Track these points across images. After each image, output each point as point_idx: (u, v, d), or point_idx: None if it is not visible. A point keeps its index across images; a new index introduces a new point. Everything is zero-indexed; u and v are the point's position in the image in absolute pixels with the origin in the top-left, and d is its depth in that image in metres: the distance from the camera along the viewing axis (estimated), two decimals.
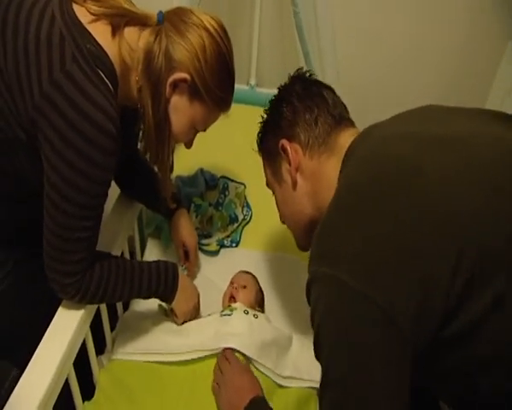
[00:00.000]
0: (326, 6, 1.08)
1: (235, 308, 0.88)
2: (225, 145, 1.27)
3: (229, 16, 1.31)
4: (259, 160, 1.26)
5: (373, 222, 0.51)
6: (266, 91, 1.41)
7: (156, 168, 0.78)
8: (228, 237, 1.13)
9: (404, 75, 1.43)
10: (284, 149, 0.69)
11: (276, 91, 1.40)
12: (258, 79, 1.38)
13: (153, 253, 1.08)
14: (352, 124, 0.71)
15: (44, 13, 0.63)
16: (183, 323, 0.89)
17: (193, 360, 0.82)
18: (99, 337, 0.87)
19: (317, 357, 0.54)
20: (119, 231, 0.94)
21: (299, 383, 0.84)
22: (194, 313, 0.91)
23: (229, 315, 0.86)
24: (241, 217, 1.16)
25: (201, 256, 1.07)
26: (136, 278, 0.78)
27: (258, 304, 0.96)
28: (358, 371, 0.48)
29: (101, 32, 0.65)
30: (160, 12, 0.69)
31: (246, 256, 1.11)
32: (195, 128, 0.77)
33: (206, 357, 0.82)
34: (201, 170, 1.18)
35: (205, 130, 0.79)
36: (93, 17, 0.65)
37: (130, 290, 0.77)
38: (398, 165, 0.54)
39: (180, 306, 0.86)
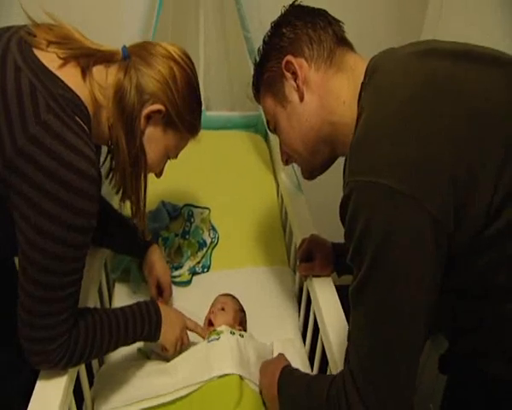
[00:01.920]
0: None
1: (222, 331, 0.87)
2: (183, 173, 1.27)
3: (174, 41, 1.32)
4: (218, 181, 1.30)
5: (423, 125, 0.52)
6: (216, 114, 1.44)
7: (131, 203, 0.76)
8: (198, 263, 1.12)
9: None
10: (289, 66, 0.67)
11: (225, 113, 1.45)
12: (206, 103, 1.40)
13: (122, 298, 1.04)
14: (353, 48, 0.70)
15: (6, 62, 0.59)
16: (177, 353, 0.87)
17: (187, 395, 0.79)
18: (76, 398, 0.80)
19: (356, 262, 0.55)
20: (89, 282, 0.90)
21: None
22: (184, 338, 0.88)
23: (216, 339, 0.85)
24: (208, 241, 1.16)
25: (175, 288, 1.06)
26: (122, 325, 0.75)
27: (239, 323, 0.96)
28: (403, 270, 0.51)
29: (71, 76, 0.63)
30: (124, 47, 0.70)
31: (218, 278, 1.11)
32: (168, 156, 0.78)
33: (199, 388, 0.80)
34: (163, 202, 1.18)
35: (176, 157, 0.80)
36: (61, 61, 0.63)
37: (117, 340, 0.74)
38: (436, 75, 0.56)
39: (168, 337, 0.83)
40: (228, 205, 1.26)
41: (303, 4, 0.73)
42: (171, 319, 0.84)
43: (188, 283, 1.09)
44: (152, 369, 0.86)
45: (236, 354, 0.83)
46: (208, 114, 1.41)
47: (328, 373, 0.83)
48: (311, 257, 0.96)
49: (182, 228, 1.15)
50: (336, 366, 0.79)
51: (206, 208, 1.20)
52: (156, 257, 0.99)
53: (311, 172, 0.77)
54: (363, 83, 0.62)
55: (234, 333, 0.87)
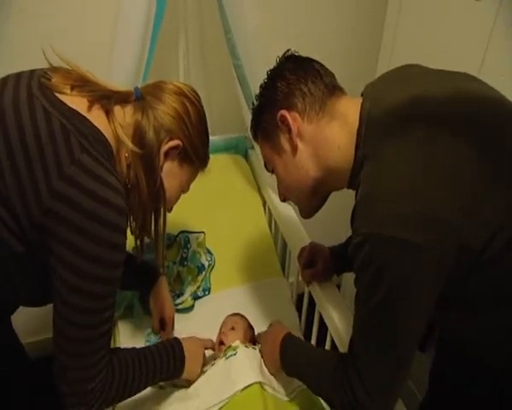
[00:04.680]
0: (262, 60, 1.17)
1: (237, 346, 0.90)
2: None
3: (153, 73, 1.33)
4: (207, 204, 1.32)
5: (428, 180, 0.57)
6: None
7: (151, 240, 0.78)
8: (199, 287, 1.14)
9: None
10: (283, 119, 0.71)
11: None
12: None
13: (126, 335, 1.04)
14: (343, 92, 0.75)
15: (34, 108, 0.60)
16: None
17: None
18: None
19: (363, 300, 0.63)
20: None
21: (298, 390, 0.90)
22: (204, 360, 0.91)
23: (234, 354, 0.88)
24: (206, 264, 1.18)
25: (178, 315, 1.07)
26: (151, 364, 0.76)
27: (250, 340, 0.98)
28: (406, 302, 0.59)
29: (97, 117, 0.64)
30: (136, 87, 0.73)
31: (219, 299, 1.14)
32: (183, 190, 0.80)
33: (226, 404, 0.81)
34: None
35: (188, 190, 0.83)
36: (87, 104, 0.65)
37: (147, 379, 0.75)
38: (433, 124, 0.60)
39: (192, 370, 0.86)
40: (219, 226, 1.29)
41: (296, 55, 0.77)
42: (192, 351, 0.86)
43: (191, 308, 1.11)
44: (173, 397, 0.86)
45: (255, 362, 0.86)
46: None
47: None
48: (313, 264, 0.99)
49: (179, 255, 1.16)
50: None
51: (202, 232, 1.22)
52: (163, 289, 1.01)
53: (308, 213, 0.82)
54: (358, 131, 0.66)
55: (248, 347, 0.89)
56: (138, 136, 0.68)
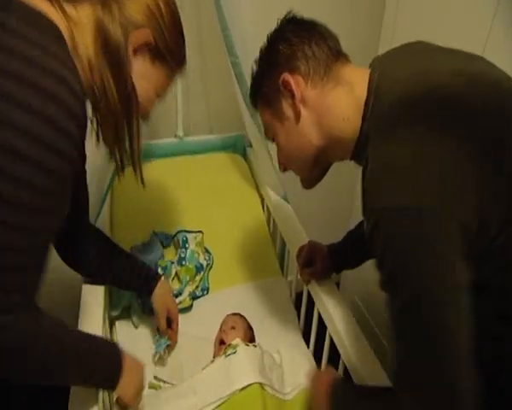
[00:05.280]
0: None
1: (238, 345, 0.90)
2: (169, 201, 1.28)
3: None
4: (205, 203, 1.32)
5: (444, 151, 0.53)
6: (195, 139, 1.47)
7: (127, 157, 0.70)
8: (197, 287, 1.13)
9: None
10: (285, 83, 0.67)
11: (204, 137, 1.48)
12: (185, 129, 1.42)
13: (123, 336, 1.03)
14: (348, 59, 0.71)
15: None
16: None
17: None
18: None
19: (395, 285, 0.55)
20: (91, 322, 0.87)
21: (298, 389, 0.91)
22: (141, 394, 0.82)
23: (234, 353, 0.88)
24: (205, 264, 1.18)
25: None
26: (87, 348, 0.68)
27: (249, 340, 0.98)
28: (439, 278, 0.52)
29: (49, 13, 0.57)
30: None
31: (218, 299, 1.14)
32: (158, 94, 0.74)
33: (223, 403, 0.81)
34: (154, 233, 1.18)
35: (165, 95, 0.76)
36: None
37: (75, 364, 0.66)
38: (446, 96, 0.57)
39: (126, 387, 0.76)
40: (217, 225, 1.29)
41: (298, 17, 0.73)
42: (132, 368, 0.77)
43: (189, 308, 1.10)
44: (170, 394, 0.85)
45: (255, 362, 0.86)
46: (187, 139, 1.44)
47: (339, 365, 0.90)
48: (312, 262, 0.99)
49: (177, 255, 1.16)
50: (348, 357, 0.85)
51: (200, 232, 1.21)
52: (166, 288, 1.00)
53: (310, 183, 0.78)
54: (367, 102, 0.62)
55: (248, 345, 0.89)
56: (101, 34, 0.61)
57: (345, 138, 0.66)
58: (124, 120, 0.66)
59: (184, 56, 0.75)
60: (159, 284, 0.99)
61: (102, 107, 0.63)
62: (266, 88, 0.71)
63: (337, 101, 0.66)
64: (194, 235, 1.19)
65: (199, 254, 1.17)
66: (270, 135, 0.76)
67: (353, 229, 1.00)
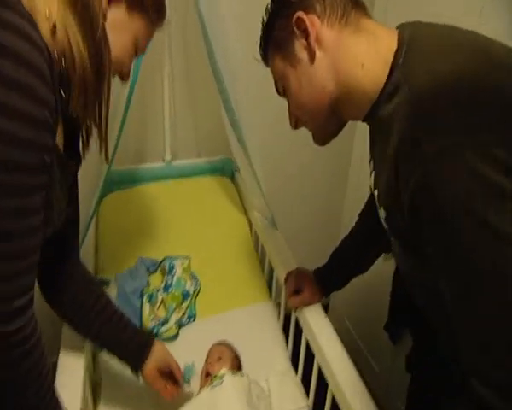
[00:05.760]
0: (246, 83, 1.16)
1: (224, 374, 0.87)
2: (157, 225, 1.27)
3: (138, 96, 1.32)
4: (193, 228, 1.31)
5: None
6: (183, 163, 1.47)
7: (94, 120, 0.62)
8: (184, 314, 1.11)
9: None
10: (299, 22, 0.61)
11: (192, 160, 1.48)
12: (173, 153, 1.42)
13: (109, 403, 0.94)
14: (368, 14, 0.65)
15: None
16: None
17: None
18: None
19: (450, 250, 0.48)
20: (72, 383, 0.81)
21: None
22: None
23: (220, 384, 0.85)
24: (191, 290, 1.16)
25: None
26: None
27: (237, 369, 0.96)
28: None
29: None
30: None
31: (205, 326, 1.12)
32: (136, 49, 0.67)
33: None
34: (141, 259, 1.16)
35: (144, 51, 0.69)
36: None
37: None
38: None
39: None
40: (205, 250, 1.27)
41: None
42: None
43: (176, 336, 1.08)
44: None
45: (242, 393, 0.84)
46: (175, 163, 1.43)
47: (327, 396, 0.88)
48: (299, 289, 0.99)
49: (163, 282, 1.14)
50: (336, 387, 0.84)
51: (187, 257, 1.20)
52: (166, 351, 0.88)
53: (323, 138, 0.72)
54: (397, 52, 0.56)
55: (235, 373, 0.87)
56: None
57: (362, 88, 0.60)
58: (95, 83, 0.58)
59: (164, 6, 0.68)
60: (156, 344, 0.86)
61: (71, 72, 0.56)
62: (278, 31, 0.65)
63: (356, 46, 0.60)
64: (181, 261, 1.18)
65: (186, 280, 1.16)
66: (280, 85, 0.70)
67: (336, 248, 1.00)
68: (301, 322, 1.01)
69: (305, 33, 0.61)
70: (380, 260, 0.99)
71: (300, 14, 0.61)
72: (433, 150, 0.47)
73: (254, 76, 1.39)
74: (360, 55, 0.59)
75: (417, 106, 0.50)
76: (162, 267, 1.17)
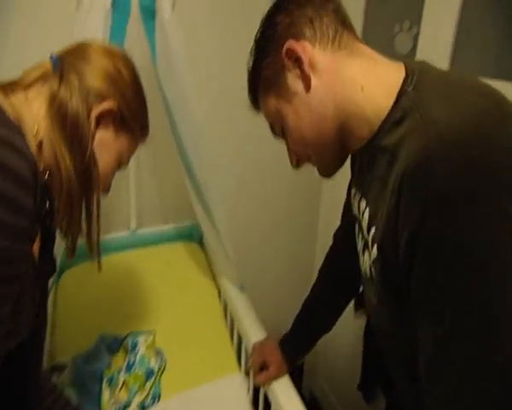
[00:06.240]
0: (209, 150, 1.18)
1: None
2: (120, 298, 1.23)
3: None
4: (159, 299, 1.27)
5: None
6: (149, 231, 1.45)
7: (82, 234, 0.64)
8: (147, 395, 1.04)
9: None
10: (290, 52, 0.57)
11: (158, 227, 1.46)
12: (138, 221, 1.40)
13: None
14: (358, 36, 0.61)
15: None
16: None
17: None
18: None
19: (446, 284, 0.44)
20: None
21: None
22: None
23: None
24: (156, 368, 1.09)
25: None
26: None
27: None
28: None
29: None
30: (52, 54, 0.62)
31: (171, 406, 1.04)
32: (119, 165, 0.70)
33: None
34: (101, 337, 1.10)
35: (127, 164, 0.72)
36: None
37: None
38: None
39: None
40: (172, 322, 1.23)
41: None
42: None
43: None
44: None
45: None
46: (141, 231, 1.41)
47: None
48: (266, 363, 0.95)
49: (125, 361, 1.07)
50: None
51: (151, 332, 1.14)
52: None
53: (328, 169, 0.67)
54: (406, 77, 0.53)
55: None
56: (57, 107, 0.58)
57: (363, 113, 0.56)
58: (82, 199, 0.61)
59: (148, 123, 0.73)
60: None
61: (56, 186, 0.57)
62: (267, 70, 0.62)
63: (353, 69, 0.57)
64: (144, 337, 1.12)
65: (149, 357, 1.10)
66: (277, 125, 0.65)
67: (299, 312, 0.99)
68: (270, 396, 0.96)
69: (298, 62, 0.58)
70: (352, 317, 0.98)
71: (290, 43, 0.58)
72: (453, 190, 0.42)
73: (217, 143, 1.44)
74: (359, 78, 0.56)
75: (433, 135, 0.45)
76: (125, 345, 1.11)
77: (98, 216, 0.64)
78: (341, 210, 0.90)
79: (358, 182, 0.66)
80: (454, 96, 0.48)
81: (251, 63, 0.65)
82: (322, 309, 0.94)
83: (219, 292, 1.35)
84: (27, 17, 1.13)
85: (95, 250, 0.67)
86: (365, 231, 0.60)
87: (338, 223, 0.94)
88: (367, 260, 0.60)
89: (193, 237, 1.49)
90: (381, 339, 0.68)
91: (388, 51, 1.30)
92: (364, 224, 0.61)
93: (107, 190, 0.70)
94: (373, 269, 0.59)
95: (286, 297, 1.75)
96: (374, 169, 0.57)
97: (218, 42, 1.38)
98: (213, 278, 1.39)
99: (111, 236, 1.38)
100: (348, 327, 0.99)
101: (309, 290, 0.98)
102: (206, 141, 1.17)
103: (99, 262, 0.69)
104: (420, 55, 1.19)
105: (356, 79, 0.56)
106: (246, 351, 1.19)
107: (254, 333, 1.10)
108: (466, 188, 0.42)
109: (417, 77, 0.53)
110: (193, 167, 1.18)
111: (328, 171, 0.67)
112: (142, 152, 1.41)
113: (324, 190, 1.68)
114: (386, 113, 0.53)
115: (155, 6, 1.02)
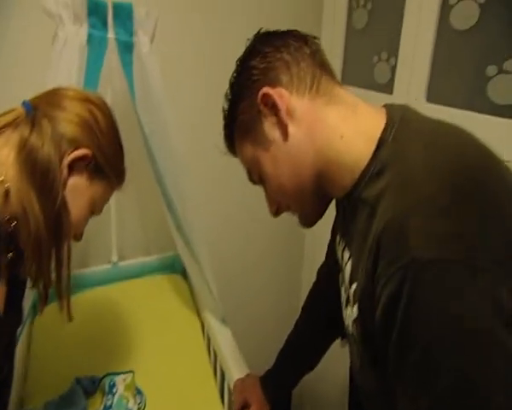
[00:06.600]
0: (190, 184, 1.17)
1: None
2: (98, 336, 1.18)
3: None
4: (140, 336, 1.23)
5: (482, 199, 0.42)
6: (131, 263, 1.41)
7: (52, 284, 0.63)
8: None
9: None
10: (266, 99, 0.55)
11: (140, 259, 1.43)
12: (119, 253, 1.37)
13: None
14: (335, 78, 0.59)
15: None
16: None
17: None
18: None
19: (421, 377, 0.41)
20: None
21: None
22: None
23: None
24: (135, 409, 1.05)
25: None
26: None
27: None
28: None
29: None
30: (25, 101, 0.61)
31: None
32: (93, 211, 0.68)
33: None
34: (77, 379, 1.06)
35: (101, 212, 0.71)
36: None
37: None
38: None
39: None
40: (152, 360, 1.18)
41: (269, 30, 0.61)
42: None
43: None
44: None
45: None
46: (122, 264, 1.38)
47: None
48: (247, 403, 0.92)
49: (102, 404, 1.03)
50: None
51: (130, 372, 1.10)
52: None
53: (308, 218, 0.65)
54: (386, 126, 0.52)
55: None
56: (26, 154, 0.57)
57: (343, 162, 0.54)
58: (51, 247, 0.59)
59: (124, 170, 0.73)
60: None
61: (24, 235, 0.56)
62: (242, 115, 0.60)
63: (332, 116, 0.55)
64: (123, 377, 1.08)
65: (128, 399, 1.05)
66: (255, 173, 0.63)
67: (282, 348, 0.96)
68: None
69: (274, 109, 0.56)
70: (341, 350, 0.95)
71: (266, 89, 0.56)
72: (427, 257, 0.40)
73: (197, 179, 1.42)
74: (338, 126, 0.54)
75: (409, 194, 0.44)
76: (102, 387, 1.06)
77: (69, 264, 0.63)
78: (327, 243, 0.88)
79: (343, 229, 0.64)
80: (433, 153, 0.46)
81: (226, 106, 0.63)
82: (306, 347, 0.92)
83: (203, 325, 1.32)
84: (7, 55, 1.13)
85: (64, 300, 0.65)
86: (347, 284, 0.58)
87: (323, 256, 0.92)
88: (350, 315, 0.57)
89: (175, 268, 1.46)
90: (364, 399, 0.66)
91: (368, 81, 1.35)
92: (347, 276, 0.58)
93: (79, 237, 0.69)
94: (354, 327, 0.56)
95: (271, 330, 1.71)
96: (356, 221, 0.55)
97: (202, 74, 1.38)
98: (196, 310, 1.35)
99: (91, 269, 1.34)
100: (337, 361, 0.96)
101: (293, 325, 0.96)
102: (187, 175, 1.16)
103: (69, 312, 0.66)
104: (398, 84, 1.20)
105: (335, 127, 0.55)
106: (229, 388, 1.15)
107: (236, 370, 1.06)
108: (440, 257, 0.40)
109: (397, 126, 0.51)
110: (173, 202, 1.16)
111: (308, 220, 0.65)
112: (124, 182, 1.39)
113: None
114: (366, 162, 0.52)
115: (133, 40, 1.03)
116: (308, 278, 1.63)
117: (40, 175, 0.58)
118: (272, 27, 0.63)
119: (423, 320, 0.41)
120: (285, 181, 0.59)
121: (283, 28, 0.64)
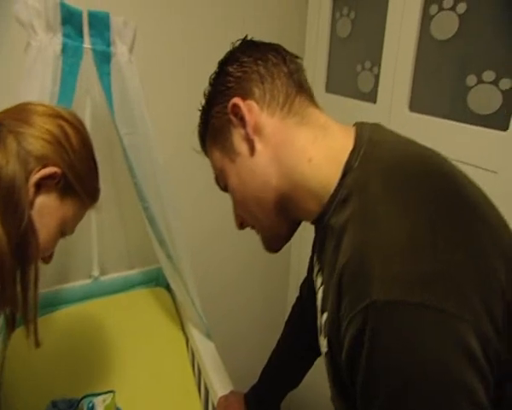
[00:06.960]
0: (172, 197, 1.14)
1: None
2: (78, 355, 1.14)
3: None
4: (122, 352, 1.19)
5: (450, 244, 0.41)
6: (113, 277, 1.38)
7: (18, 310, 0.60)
8: None
9: None
10: (235, 110, 0.55)
11: (122, 273, 1.40)
12: (101, 268, 1.33)
13: None
14: (313, 98, 0.58)
15: None
16: None
17: None
18: None
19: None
20: None
21: None
22: None
23: None
24: None
25: None
26: None
27: None
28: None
29: None
30: None
31: None
32: (63, 232, 0.65)
33: None
34: (53, 403, 1.02)
35: (72, 232, 0.68)
36: None
37: None
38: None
39: None
40: (135, 378, 1.15)
41: (254, 40, 0.61)
42: None
43: None
44: None
45: None
46: (104, 278, 1.34)
47: None
48: None
49: None
50: None
51: (110, 392, 1.06)
52: None
53: (272, 242, 0.63)
54: (353, 150, 0.50)
55: None
56: None
57: (310, 186, 0.53)
58: (15, 270, 0.56)
59: (98, 188, 0.70)
60: None
61: None
62: (215, 119, 0.59)
63: (302, 138, 0.54)
64: (102, 398, 1.04)
65: None
66: (221, 180, 0.62)
67: (265, 366, 0.93)
68: None
69: (243, 122, 0.55)
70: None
71: (236, 100, 0.55)
72: (386, 299, 0.39)
73: (181, 187, 1.39)
74: (307, 148, 0.53)
75: (369, 230, 0.43)
76: (80, 409, 1.02)
77: (36, 288, 0.60)
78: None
79: (318, 252, 0.61)
80: (394, 184, 0.45)
81: (203, 104, 0.62)
82: (288, 366, 0.90)
83: (187, 340, 1.29)
84: None
85: (31, 325, 0.61)
86: (319, 312, 0.56)
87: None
88: (322, 344, 0.55)
89: (159, 281, 1.42)
90: None
91: (352, 90, 1.34)
92: (319, 303, 0.56)
93: (47, 260, 0.67)
94: (326, 360, 0.54)
95: (256, 343, 1.69)
96: (325, 249, 0.54)
97: (184, 82, 1.36)
98: (181, 324, 1.32)
99: (70, 285, 1.30)
100: (325, 372, 0.93)
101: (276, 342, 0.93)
102: (168, 189, 1.13)
103: (36, 337, 0.63)
104: (381, 93, 1.20)
105: (303, 150, 0.53)
106: (213, 405, 1.12)
107: (220, 386, 1.03)
108: (399, 299, 0.39)
109: (364, 150, 0.50)
110: (154, 217, 1.14)
111: (270, 243, 0.63)
112: (104, 193, 1.36)
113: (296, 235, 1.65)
114: (333, 188, 0.51)
115: (111, 50, 1.00)
116: (293, 292, 1.61)
117: (4, 195, 0.55)
118: (255, 35, 0.62)
119: (386, 367, 0.39)
120: (247, 197, 0.58)
121: (267, 36, 0.63)
